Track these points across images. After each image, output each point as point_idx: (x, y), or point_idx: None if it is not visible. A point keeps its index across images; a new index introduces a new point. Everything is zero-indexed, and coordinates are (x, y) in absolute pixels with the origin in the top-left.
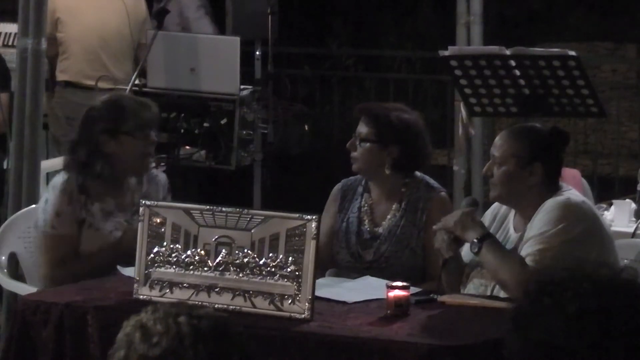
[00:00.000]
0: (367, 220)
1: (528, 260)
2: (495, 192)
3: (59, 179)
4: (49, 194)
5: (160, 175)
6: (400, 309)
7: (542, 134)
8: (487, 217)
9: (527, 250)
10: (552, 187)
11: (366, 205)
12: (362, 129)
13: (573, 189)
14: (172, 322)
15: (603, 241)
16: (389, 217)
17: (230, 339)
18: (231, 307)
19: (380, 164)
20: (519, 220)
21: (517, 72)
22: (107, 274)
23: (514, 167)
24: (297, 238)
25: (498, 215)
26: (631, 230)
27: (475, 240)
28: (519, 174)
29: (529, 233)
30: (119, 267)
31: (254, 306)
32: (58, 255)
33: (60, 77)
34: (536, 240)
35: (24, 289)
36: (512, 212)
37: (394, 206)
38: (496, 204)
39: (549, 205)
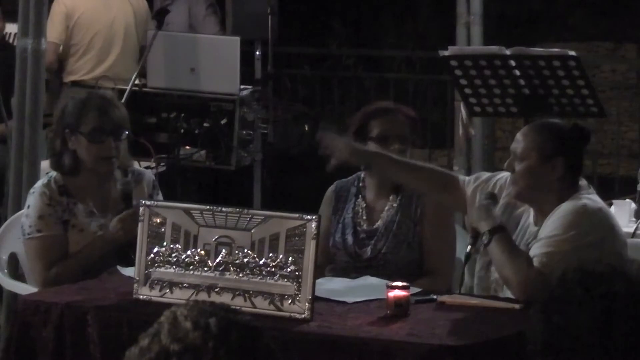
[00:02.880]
0: (362, 220)
1: (535, 262)
2: (516, 188)
3: (39, 183)
4: (29, 199)
5: (147, 175)
6: (400, 309)
7: (564, 129)
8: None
9: (535, 251)
10: (572, 186)
11: (360, 207)
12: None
13: (594, 192)
14: (203, 322)
15: (615, 249)
16: (386, 208)
17: (255, 352)
18: (231, 307)
19: None
20: (536, 216)
21: (517, 72)
22: (101, 270)
23: (536, 162)
24: (297, 238)
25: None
26: (631, 230)
27: (486, 232)
28: (540, 168)
29: (541, 233)
30: (118, 267)
31: (254, 306)
32: (49, 258)
33: (68, 78)
34: (546, 243)
35: (24, 289)
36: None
37: (390, 197)
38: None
39: (565, 209)
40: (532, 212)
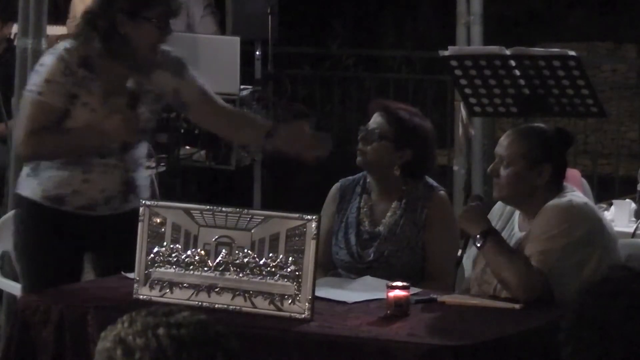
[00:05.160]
0: (366, 221)
1: (532, 261)
2: (501, 192)
3: (61, 45)
4: (46, 58)
5: (170, 57)
6: (400, 309)
7: (550, 134)
8: (493, 215)
9: (530, 251)
10: (557, 188)
11: (365, 206)
12: (381, 125)
13: (577, 190)
14: (152, 335)
15: (605, 242)
16: (389, 214)
17: (212, 341)
18: (231, 307)
19: (390, 164)
20: (523, 219)
21: (517, 72)
22: (86, 161)
23: (523, 168)
24: (297, 238)
25: (504, 213)
26: (631, 230)
27: (478, 235)
28: (527, 174)
29: (532, 233)
30: (122, 272)
31: (254, 306)
32: (38, 123)
33: None
34: (539, 242)
35: (16, 288)
36: (517, 210)
37: (393, 204)
38: (501, 203)
39: (552, 207)
40: (516, 219)
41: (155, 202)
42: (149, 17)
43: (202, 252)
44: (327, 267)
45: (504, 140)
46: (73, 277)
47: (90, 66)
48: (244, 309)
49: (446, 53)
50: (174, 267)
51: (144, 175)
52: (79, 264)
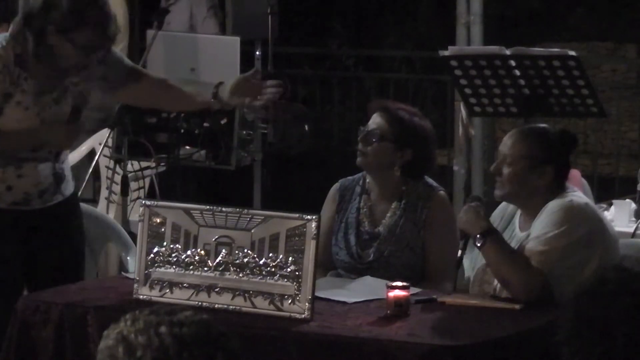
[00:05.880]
0: (366, 221)
1: (532, 261)
2: (503, 190)
3: None
4: None
5: (114, 57)
6: (400, 309)
7: (553, 136)
8: (495, 216)
9: (530, 251)
10: (558, 188)
11: (365, 206)
12: (381, 125)
13: (578, 190)
14: (154, 334)
15: (606, 243)
16: (388, 215)
17: (213, 340)
18: (231, 307)
19: (390, 164)
20: (524, 219)
21: (517, 72)
22: (17, 157)
23: (525, 169)
24: (297, 238)
25: (505, 214)
26: (631, 230)
27: (478, 235)
28: (528, 175)
29: (532, 232)
30: (122, 273)
31: (254, 306)
32: None
33: None
34: (540, 242)
35: None
36: (519, 210)
37: (393, 204)
38: (504, 204)
39: (552, 207)
40: (517, 219)
41: (155, 202)
42: (75, 40)
43: (202, 252)
44: (327, 267)
45: (508, 140)
46: (14, 277)
47: (24, 64)
48: (244, 309)
49: (446, 53)
50: (174, 267)
51: (69, 167)
52: (19, 264)
